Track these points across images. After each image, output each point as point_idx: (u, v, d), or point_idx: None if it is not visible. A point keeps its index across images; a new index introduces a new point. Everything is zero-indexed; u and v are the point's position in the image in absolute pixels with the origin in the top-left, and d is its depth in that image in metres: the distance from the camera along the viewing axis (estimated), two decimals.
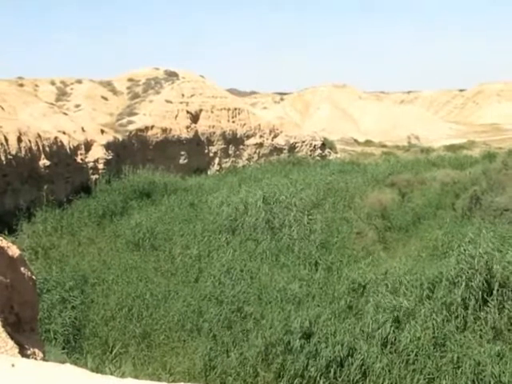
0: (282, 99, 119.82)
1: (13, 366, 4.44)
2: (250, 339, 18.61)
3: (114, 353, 18.24)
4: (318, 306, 21.08)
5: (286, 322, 19.01)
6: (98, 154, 44.51)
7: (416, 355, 17.48)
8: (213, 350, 18.30)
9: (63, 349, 17.64)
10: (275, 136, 59.17)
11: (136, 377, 4.30)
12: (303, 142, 60.26)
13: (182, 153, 51.72)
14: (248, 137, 57.53)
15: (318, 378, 16.77)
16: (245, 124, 57.72)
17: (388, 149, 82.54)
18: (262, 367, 17.31)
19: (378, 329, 18.86)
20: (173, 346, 19.09)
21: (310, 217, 32.33)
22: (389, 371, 16.86)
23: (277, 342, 18.03)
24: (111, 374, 12.82)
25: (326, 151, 61.71)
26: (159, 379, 14.02)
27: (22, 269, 8.60)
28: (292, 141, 59.57)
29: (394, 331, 18.64)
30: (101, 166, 43.90)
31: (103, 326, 20.35)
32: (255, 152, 57.57)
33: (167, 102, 53.90)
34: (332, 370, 16.96)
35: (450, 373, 16.50)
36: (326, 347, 17.66)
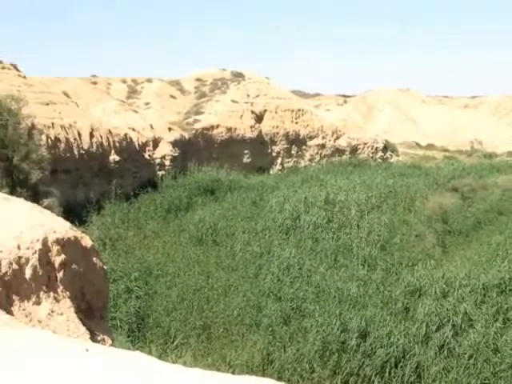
0: (345, 102, 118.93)
1: (87, 350, 4.60)
2: (308, 336, 18.69)
3: (175, 343, 18.50)
4: (375, 306, 21.03)
5: (342, 321, 19.04)
6: (165, 150, 45.07)
7: (474, 360, 17.37)
8: (271, 345, 18.46)
9: (128, 337, 18.00)
10: (337, 137, 58.91)
11: (196, 367, 4.36)
12: (365, 144, 59.90)
13: (246, 152, 51.87)
14: (311, 138, 57.33)
15: (373, 377, 16.80)
16: (308, 125, 57.56)
17: (450, 153, 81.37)
18: (318, 364, 17.37)
19: (435, 332, 18.81)
20: (232, 339, 19.27)
21: (369, 218, 32.23)
22: (445, 374, 16.80)
23: (333, 340, 18.07)
24: (173, 363, 13.07)
25: (388, 154, 61.25)
26: (218, 370, 14.23)
27: (94, 259, 8.83)
28: (354, 143, 59.26)
29: (450, 336, 18.55)
30: (167, 162, 44.46)
31: (165, 317, 20.63)
32: (317, 153, 57.36)
33: (233, 101, 54.11)
34: (387, 371, 16.97)
35: (507, 378, 16.38)
36: (382, 347, 17.68)
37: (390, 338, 18.15)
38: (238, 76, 59.31)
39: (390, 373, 16.92)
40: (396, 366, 17.14)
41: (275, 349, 18.24)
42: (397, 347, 17.68)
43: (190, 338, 19.19)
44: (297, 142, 56.33)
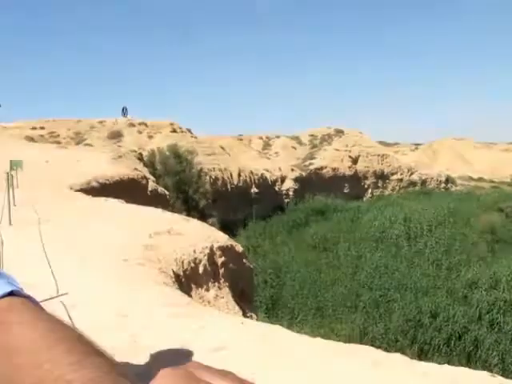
0: (416, 148, 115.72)
1: (242, 323, 4.73)
2: (392, 316, 18.28)
3: (298, 319, 18.50)
4: (441, 295, 20.39)
5: (417, 305, 18.53)
6: (289, 185, 45.45)
7: None
8: (366, 322, 18.15)
9: (265, 314, 18.13)
10: (411, 174, 57.49)
11: (313, 337, 4.36)
12: (432, 178, 58.21)
13: (346, 185, 51.40)
14: (392, 174, 56.23)
15: (442, 347, 16.25)
16: (390, 165, 56.49)
17: (495, 184, 77.57)
18: (400, 335, 16.96)
19: (486, 314, 18.08)
20: (338, 317, 19.06)
21: (436, 231, 31.24)
22: (496, 346, 16.07)
23: (411, 319, 17.60)
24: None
25: (449, 185, 59.20)
26: (329, 339, 14.09)
27: (244, 260, 9.00)
28: (424, 177, 57.66)
29: (498, 316, 17.79)
30: (291, 192, 44.82)
31: (291, 300, 20.65)
32: (397, 185, 56.12)
33: (336, 150, 53.87)
34: (452, 342, 16.39)
35: None
36: (447, 325, 17.08)
37: (453, 318, 17.50)
38: (339, 132, 59.00)
39: (454, 344, 16.29)
40: (459, 339, 16.50)
41: (369, 324, 17.94)
42: (459, 325, 17.05)
43: (308, 315, 19.17)
44: (382, 177, 55.40)
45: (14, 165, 13.44)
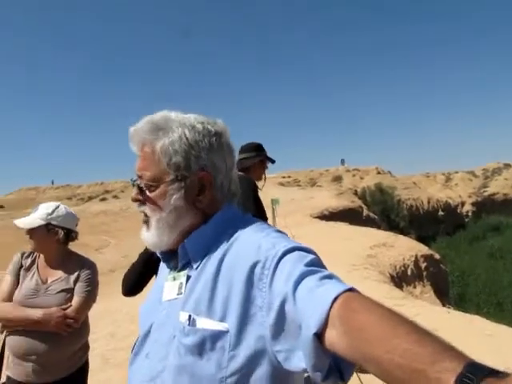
0: None
1: (448, 312, 4.98)
2: None
3: (483, 311, 16.95)
4: None
5: None
6: (467, 208, 41.42)
7: None
8: None
9: (455, 305, 17.01)
10: None
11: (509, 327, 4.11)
12: None
13: None
14: None
15: None
16: None
17: None
18: None
19: None
20: None
21: None
22: None
23: None
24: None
25: None
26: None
27: (441, 265, 9.00)
28: None
29: None
30: (470, 213, 40.69)
31: (475, 296, 18.94)
32: None
33: (505, 179, 47.41)
34: None
35: None
36: None
37: None
38: (506, 166, 51.82)
39: None
40: None
41: None
42: None
43: (490, 309, 17.40)
44: None
45: (274, 201, 14.72)
